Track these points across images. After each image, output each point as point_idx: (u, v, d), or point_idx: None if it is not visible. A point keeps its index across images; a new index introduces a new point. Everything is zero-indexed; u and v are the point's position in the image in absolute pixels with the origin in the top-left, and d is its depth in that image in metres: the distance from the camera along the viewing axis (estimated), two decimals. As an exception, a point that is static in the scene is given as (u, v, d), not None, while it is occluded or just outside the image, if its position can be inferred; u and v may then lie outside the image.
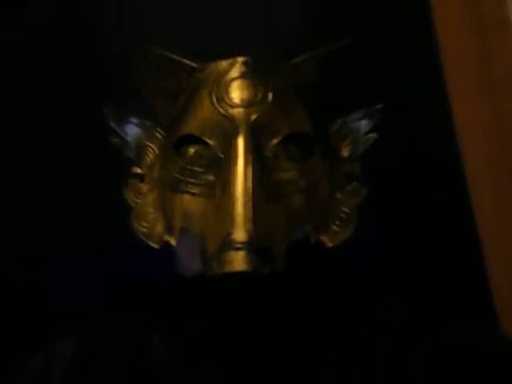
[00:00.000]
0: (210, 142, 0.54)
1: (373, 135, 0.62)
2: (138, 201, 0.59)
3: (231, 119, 0.54)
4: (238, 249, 0.46)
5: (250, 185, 0.50)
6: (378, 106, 0.62)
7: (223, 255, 0.46)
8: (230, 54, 0.58)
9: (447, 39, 0.77)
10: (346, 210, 0.57)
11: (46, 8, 0.81)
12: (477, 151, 0.73)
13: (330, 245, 0.53)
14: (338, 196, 0.58)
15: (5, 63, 0.78)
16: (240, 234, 0.47)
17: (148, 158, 0.61)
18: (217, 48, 0.74)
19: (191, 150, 0.56)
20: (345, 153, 0.61)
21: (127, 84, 0.72)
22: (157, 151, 0.61)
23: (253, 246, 0.46)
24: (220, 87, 0.56)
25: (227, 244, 0.47)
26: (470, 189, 0.70)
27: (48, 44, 0.79)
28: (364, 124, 0.62)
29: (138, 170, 0.61)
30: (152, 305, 0.59)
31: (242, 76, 0.56)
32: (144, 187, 0.60)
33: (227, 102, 0.55)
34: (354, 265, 0.61)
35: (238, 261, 0.46)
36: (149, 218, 0.57)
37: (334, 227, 0.55)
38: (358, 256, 0.63)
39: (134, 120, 0.62)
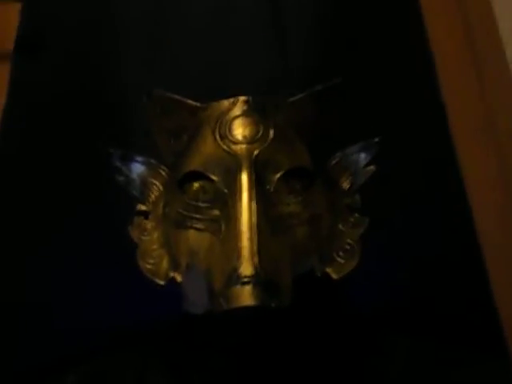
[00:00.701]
0: (214, 177, 0.55)
1: (371, 168, 0.63)
2: (144, 238, 0.59)
3: (234, 155, 0.55)
4: (245, 283, 0.47)
5: (254, 219, 0.51)
6: (376, 139, 0.64)
7: (230, 291, 0.47)
8: (232, 94, 0.60)
9: (448, 79, 0.79)
10: (350, 241, 0.57)
11: (59, 53, 0.84)
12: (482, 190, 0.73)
13: (335, 277, 0.54)
14: (341, 227, 0.59)
15: (21, 100, 0.81)
16: (246, 269, 0.47)
17: (153, 195, 0.62)
18: (218, 87, 0.76)
19: (195, 186, 0.57)
20: (345, 185, 0.63)
21: (132, 124, 0.75)
22: (161, 188, 0.62)
23: (259, 280, 0.47)
24: (222, 125, 0.58)
25: (234, 279, 0.47)
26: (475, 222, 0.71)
27: (59, 85, 0.82)
28: (362, 157, 0.64)
29: (143, 207, 0.62)
30: (154, 343, 0.59)
31: (244, 114, 0.58)
32: (149, 224, 0.61)
33: (230, 138, 0.57)
34: (359, 297, 0.61)
35: (245, 295, 0.46)
36: (154, 255, 0.57)
37: (339, 259, 0.56)
38: (363, 288, 0.63)
39: (138, 158, 0.63)
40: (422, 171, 0.75)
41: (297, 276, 0.51)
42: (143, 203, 0.63)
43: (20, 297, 0.69)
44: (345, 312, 0.58)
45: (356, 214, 0.60)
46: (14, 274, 0.71)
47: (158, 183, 0.63)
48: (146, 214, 0.62)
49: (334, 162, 0.63)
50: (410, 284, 0.69)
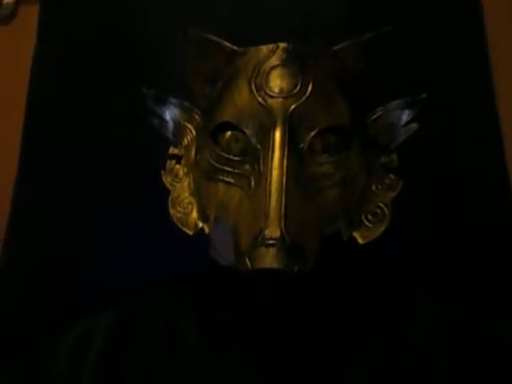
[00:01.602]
0: (247, 131, 0.54)
1: (414, 125, 0.60)
2: (175, 184, 0.60)
3: (269, 110, 0.54)
4: (270, 245, 0.47)
5: (284, 180, 0.50)
6: (421, 96, 0.60)
7: (255, 251, 0.47)
8: (271, 39, 0.57)
9: (497, 37, 0.72)
10: (381, 204, 0.56)
11: None
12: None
13: (361, 242, 0.53)
14: (374, 189, 0.57)
15: (48, 44, 0.79)
16: (272, 231, 0.47)
17: (185, 139, 0.62)
18: (254, 32, 0.72)
19: (228, 137, 0.56)
20: (383, 142, 0.60)
21: (167, 66, 0.72)
22: (194, 133, 0.61)
23: (284, 243, 0.47)
24: (259, 75, 0.55)
25: (259, 240, 0.48)
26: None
27: (89, 27, 0.80)
28: (405, 113, 0.60)
29: (176, 151, 0.62)
30: (185, 288, 0.61)
31: (282, 64, 0.55)
32: (181, 170, 0.61)
33: (266, 91, 0.54)
34: (386, 255, 0.61)
35: (270, 258, 0.47)
36: (184, 203, 0.58)
37: (367, 223, 0.55)
38: (390, 247, 0.62)
39: (172, 100, 0.62)
40: (464, 138, 0.71)
41: (323, 239, 0.51)
42: (176, 147, 0.62)
43: (55, 247, 0.72)
44: (368, 274, 0.58)
45: (391, 176, 0.58)
46: (50, 225, 0.73)
47: (191, 127, 0.62)
48: (178, 158, 0.62)
49: (374, 116, 0.60)
50: (438, 241, 0.69)
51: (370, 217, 0.55)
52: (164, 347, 0.57)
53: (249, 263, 0.48)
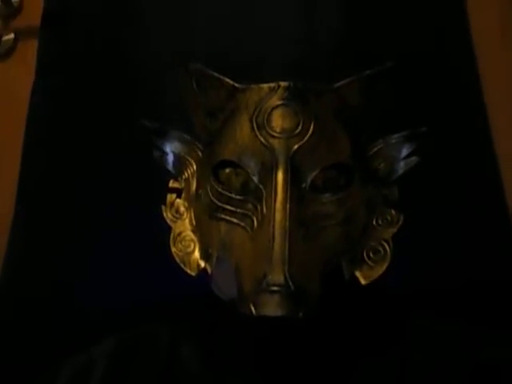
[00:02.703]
0: (249, 170, 0.54)
1: (414, 158, 0.61)
2: (176, 220, 0.60)
3: (271, 149, 0.54)
4: (274, 292, 0.47)
5: (287, 223, 0.50)
6: (422, 129, 0.60)
7: (259, 297, 0.48)
8: (272, 78, 0.57)
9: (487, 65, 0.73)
10: (382, 241, 0.57)
11: (88, 23, 0.80)
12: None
13: (363, 282, 0.54)
14: (375, 224, 0.58)
15: (46, 79, 0.79)
16: (276, 276, 0.48)
17: (186, 173, 0.62)
18: (255, 62, 0.72)
19: (229, 174, 0.56)
20: (383, 175, 0.60)
21: (167, 98, 0.72)
22: (195, 166, 0.61)
23: (288, 289, 0.47)
24: (261, 113, 0.55)
25: (263, 285, 0.48)
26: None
27: (89, 59, 0.79)
28: (405, 147, 0.61)
29: (176, 184, 0.62)
30: (186, 317, 0.61)
31: (284, 103, 0.55)
32: (181, 205, 0.61)
33: (268, 130, 0.54)
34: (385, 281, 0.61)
35: (274, 305, 0.47)
36: (186, 241, 0.58)
37: (369, 261, 0.55)
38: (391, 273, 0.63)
39: (173, 133, 0.62)
40: (460, 168, 0.72)
41: (325, 280, 0.51)
42: (176, 179, 0.62)
43: (51, 275, 0.71)
44: (372, 301, 0.59)
45: (392, 211, 0.58)
46: (44, 254, 0.72)
47: (191, 160, 0.62)
48: (178, 192, 0.62)
49: (375, 149, 0.60)
50: (435, 267, 0.69)
51: (371, 254, 0.56)
52: (165, 376, 0.57)
53: (253, 309, 0.48)
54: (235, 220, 0.54)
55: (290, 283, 0.48)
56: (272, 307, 0.47)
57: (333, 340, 0.54)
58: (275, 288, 0.47)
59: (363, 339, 0.56)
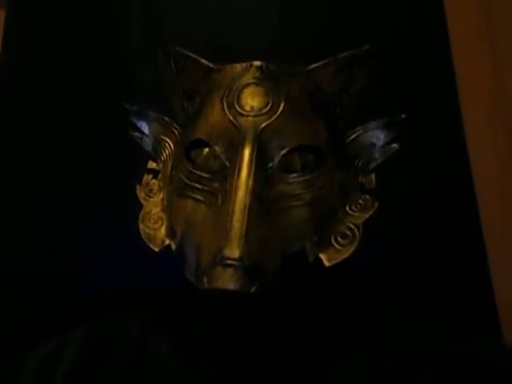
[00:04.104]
0: (217, 149, 0.54)
1: (393, 146, 0.59)
2: (148, 199, 0.60)
3: (239, 127, 0.53)
4: (228, 265, 0.47)
5: (248, 200, 0.49)
6: (401, 116, 0.59)
7: (213, 270, 0.47)
8: (246, 57, 0.57)
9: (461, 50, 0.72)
10: (352, 225, 0.55)
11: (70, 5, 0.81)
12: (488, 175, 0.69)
13: (327, 264, 0.52)
14: (348, 209, 0.57)
15: (17, 51, 0.78)
16: (231, 251, 0.47)
17: (164, 154, 0.62)
18: (233, 47, 0.72)
19: (201, 155, 0.56)
20: (361, 162, 0.59)
21: (148, 81, 0.73)
22: (172, 148, 0.62)
23: (243, 264, 0.47)
24: (232, 92, 0.55)
25: (218, 259, 0.47)
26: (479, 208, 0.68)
27: (69, 42, 0.79)
28: (384, 133, 0.59)
29: (154, 165, 0.62)
30: (157, 304, 0.60)
31: (255, 82, 0.55)
32: (156, 185, 0.61)
33: (237, 109, 0.54)
34: (358, 272, 0.60)
35: (226, 278, 0.46)
36: (154, 219, 0.58)
37: (336, 244, 0.54)
38: (364, 264, 0.61)
39: (152, 115, 0.63)
40: (432, 157, 0.70)
41: (287, 259, 0.50)
42: (154, 161, 0.63)
43: (22, 261, 0.72)
44: (340, 288, 0.57)
45: (367, 196, 0.57)
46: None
47: (170, 142, 0.62)
48: (155, 173, 0.62)
49: (353, 136, 0.59)
50: (409, 256, 0.68)
51: (339, 238, 0.54)
52: (135, 362, 0.56)
53: (206, 282, 0.47)
54: (201, 197, 0.54)
55: (245, 258, 0.47)
56: (224, 281, 0.46)
57: (290, 319, 0.53)
58: (229, 262, 0.47)
59: (323, 320, 0.54)
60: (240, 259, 0.47)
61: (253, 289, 0.47)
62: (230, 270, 0.47)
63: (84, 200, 0.73)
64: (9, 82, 0.77)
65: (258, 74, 0.56)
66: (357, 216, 0.56)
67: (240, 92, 0.55)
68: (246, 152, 0.52)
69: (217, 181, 0.53)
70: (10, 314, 0.70)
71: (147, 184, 0.61)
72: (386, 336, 0.54)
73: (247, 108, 0.54)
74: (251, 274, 0.47)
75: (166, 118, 0.62)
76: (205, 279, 0.48)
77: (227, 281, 0.46)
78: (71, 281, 0.69)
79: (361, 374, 0.52)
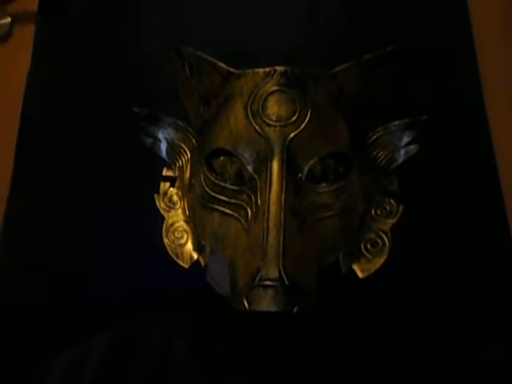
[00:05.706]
0: (243, 159, 0.52)
1: (414, 147, 0.59)
2: (170, 210, 0.58)
3: (266, 138, 0.52)
4: (268, 287, 0.46)
5: (282, 215, 0.48)
6: (423, 117, 0.58)
7: (252, 291, 0.46)
8: (269, 62, 0.54)
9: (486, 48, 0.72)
10: (381, 233, 0.55)
11: (85, 12, 0.80)
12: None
13: (361, 276, 0.52)
14: (373, 214, 0.56)
15: (47, 63, 0.78)
16: (270, 271, 0.46)
17: (180, 160, 0.60)
18: (253, 50, 0.69)
19: (223, 163, 0.54)
20: (383, 163, 0.59)
21: (161, 85, 0.70)
22: (189, 154, 0.59)
23: (282, 284, 0.46)
24: (256, 100, 0.53)
25: (257, 280, 0.46)
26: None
27: (85, 46, 0.78)
28: (406, 134, 0.59)
29: (170, 173, 0.60)
30: (180, 310, 0.59)
31: (280, 89, 0.53)
32: (175, 194, 0.59)
33: (263, 118, 0.52)
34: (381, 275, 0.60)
35: (268, 300, 0.46)
36: (179, 231, 0.56)
37: (367, 254, 0.53)
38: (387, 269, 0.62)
39: (166, 119, 0.60)
40: (459, 162, 0.70)
41: (321, 272, 0.50)
42: (170, 167, 0.60)
43: (46, 269, 0.70)
44: (368, 296, 0.57)
45: (391, 201, 0.57)
46: (45, 244, 0.71)
47: (185, 147, 0.60)
48: (172, 180, 0.60)
49: (374, 137, 0.58)
50: (434, 262, 0.68)
51: (369, 247, 0.54)
52: (157, 371, 0.55)
53: (246, 304, 0.47)
54: (229, 211, 0.52)
55: (285, 278, 0.46)
56: (266, 302, 0.46)
57: (329, 336, 0.53)
58: (269, 283, 0.46)
59: (359, 335, 0.55)
60: (280, 279, 0.46)
61: (294, 309, 0.46)
62: (270, 292, 0.46)
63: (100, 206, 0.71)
64: (37, 91, 0.77)
65: (282, 81, 0.53)
66: (383, 222, 0.56)
67: (265, 100, 0.53)
68: (276, 164, 0.50)
69: (244, 193, 0.52)
70: (33, 318, 0.68)
71: (165, 193, 0.59)
72: (409, 344, 0.55)
73: (274, 117, 0.52)
74: (291, 293, 0.46)
75: (180, 123, 0.60)
76: (244, 301, 0.47)
77: (269, 303, 0.46)
78: (95, 288, 0.67)
79: (385, 378, 0.53)
